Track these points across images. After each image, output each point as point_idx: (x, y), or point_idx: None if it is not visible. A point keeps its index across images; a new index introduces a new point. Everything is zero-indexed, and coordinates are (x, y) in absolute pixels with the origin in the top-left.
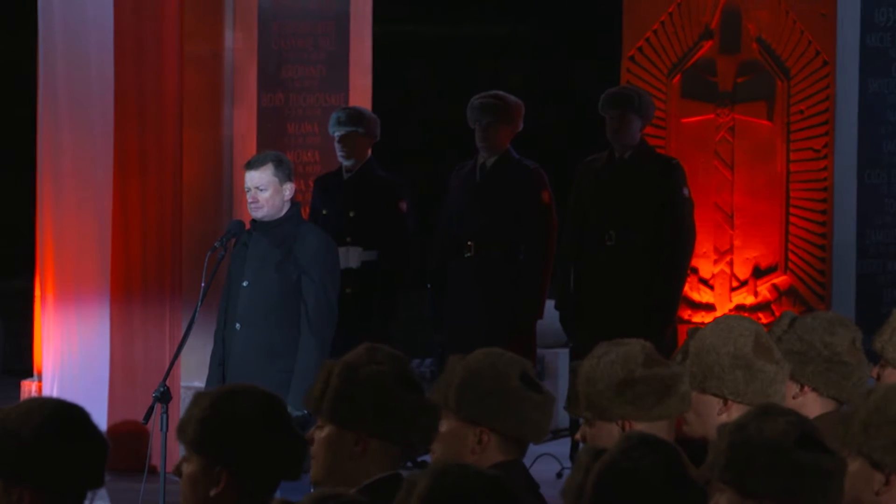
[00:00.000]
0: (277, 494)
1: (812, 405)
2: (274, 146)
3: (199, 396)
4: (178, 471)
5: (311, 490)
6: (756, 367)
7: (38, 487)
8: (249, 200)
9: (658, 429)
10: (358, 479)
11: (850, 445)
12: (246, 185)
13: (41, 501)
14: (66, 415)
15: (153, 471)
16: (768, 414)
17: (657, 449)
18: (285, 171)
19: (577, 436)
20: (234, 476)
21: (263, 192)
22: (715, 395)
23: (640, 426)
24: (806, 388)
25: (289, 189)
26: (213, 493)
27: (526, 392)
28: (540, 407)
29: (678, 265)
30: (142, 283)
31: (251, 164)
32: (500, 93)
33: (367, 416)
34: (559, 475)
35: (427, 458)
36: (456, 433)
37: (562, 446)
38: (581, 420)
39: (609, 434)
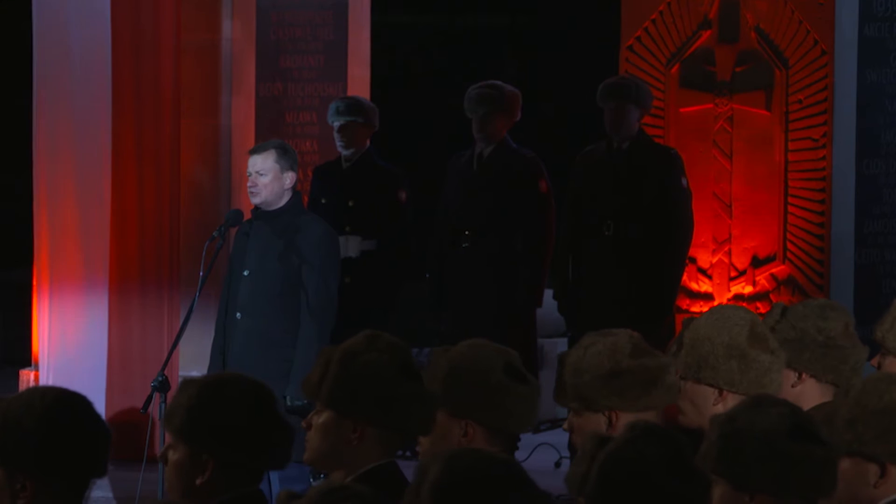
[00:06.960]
0: (278, 484)
1: (811, 392)
2: (272, 136)
3: (186, 384)
4: (164, 458)
5: (311, 479)
6: (751, 356)
7: (40, 476)
8: (249, 185)
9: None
10: (353, 466)
11: (838, 446)
12: (248, 170)
13: (44, 490)
14: (69, 403)
15: (152, 460)
16: (760, 405)
17: (663, 439)
18: (288, 160)
19: (565, 426)
20: (221, 464)
21: (263, 177)
22: (710, 385)
23: (627, 417)
24: (804, 376)
25: (289, 178)
26: (199, 481)
27: (510, 384)
28: (524, 398)
29: (677, 255)
30: (140, 272)
31: (255, 150)
32: (497, 83)
33: (364, 403)
34: (557, 465)
35: None
36: (442, 426)
37: (560, 436)
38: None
39: (596, 425)
